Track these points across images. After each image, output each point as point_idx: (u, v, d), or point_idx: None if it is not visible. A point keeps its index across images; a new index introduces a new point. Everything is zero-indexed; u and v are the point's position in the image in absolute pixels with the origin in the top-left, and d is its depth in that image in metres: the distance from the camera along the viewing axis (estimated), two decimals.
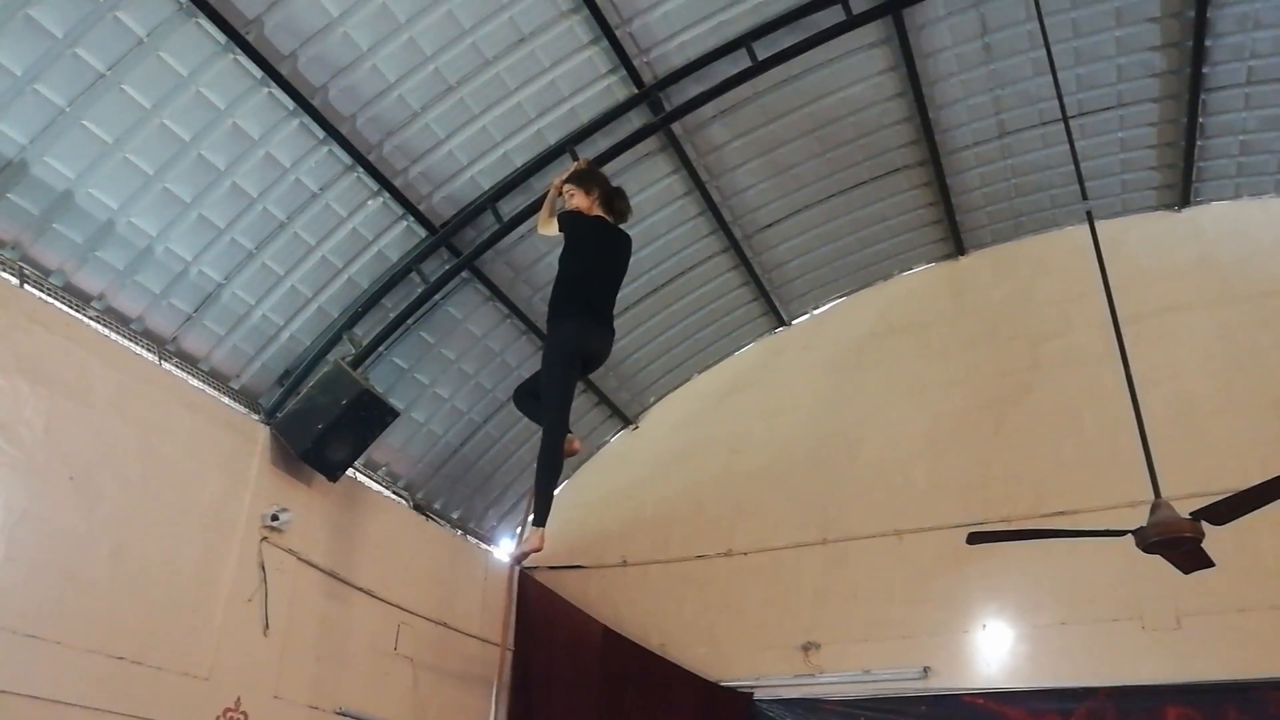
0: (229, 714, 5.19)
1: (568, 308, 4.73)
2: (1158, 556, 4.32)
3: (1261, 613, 5.80)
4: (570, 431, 4.78)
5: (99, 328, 5.09)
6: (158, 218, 5.10)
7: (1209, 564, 4.31)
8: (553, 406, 4.71)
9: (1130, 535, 4.20)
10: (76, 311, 4.99)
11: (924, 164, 7.17)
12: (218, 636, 5.22)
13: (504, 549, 8.09)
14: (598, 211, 4.88)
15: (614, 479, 8.36)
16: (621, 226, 4.88)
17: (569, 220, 4.81)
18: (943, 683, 6.51)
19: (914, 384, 7.62)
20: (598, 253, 4.84)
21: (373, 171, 5.71)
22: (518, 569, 7.85)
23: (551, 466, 4.64)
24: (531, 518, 4.64)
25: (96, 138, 4.69)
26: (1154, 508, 4.13)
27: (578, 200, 5.03)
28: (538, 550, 4.60)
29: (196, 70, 4.79)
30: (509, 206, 6.22)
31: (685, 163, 6.65)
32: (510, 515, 8.16)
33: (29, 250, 4.78)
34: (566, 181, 5.06)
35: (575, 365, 4.74)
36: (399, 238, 6.14)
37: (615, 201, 5.00)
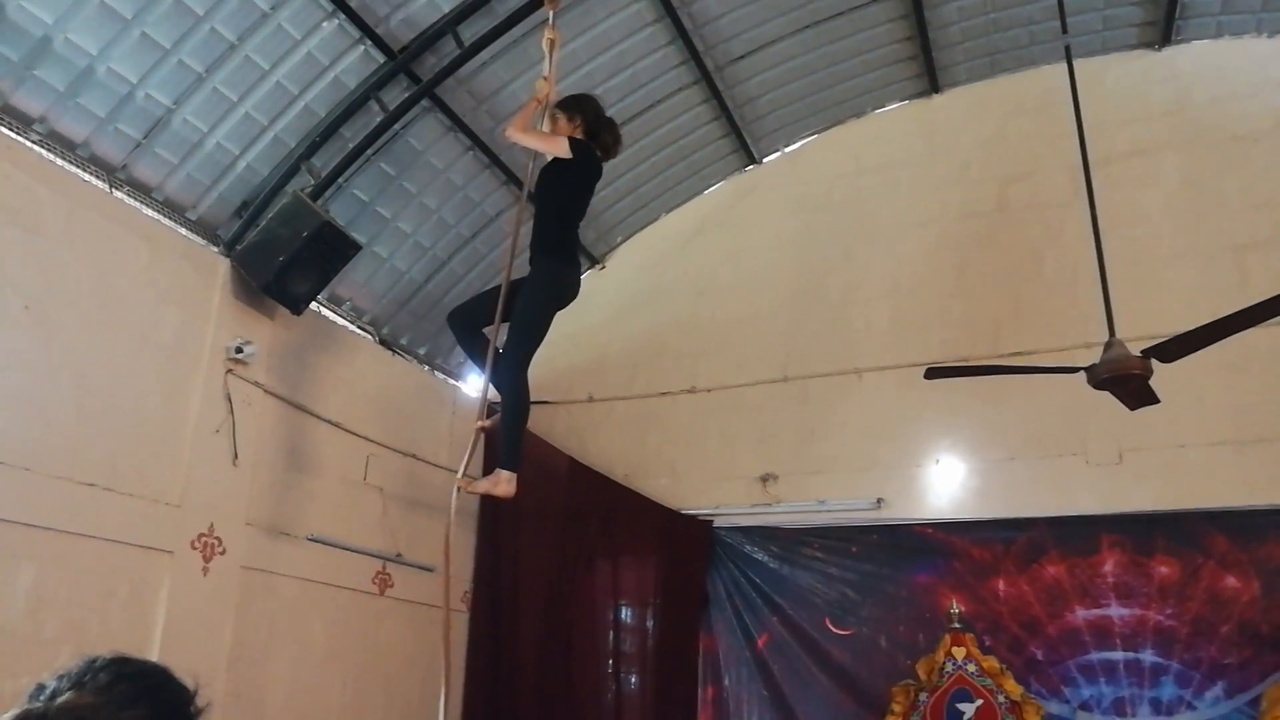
0: (203, 539, 5.32)
1: (570, 250, 4.61)
2: (1106, 396, 4.49)
3: (1199, 449, 6.07)
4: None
5: (43, 152, 4.88)
6: (96, 35, 4.79)
7: (1154, 400, 4.48)
8: (526, 358, 4.56)
9: (1082, 373, 4.34)
10: (18, 135, 4.77)
11: None
12: (187, 465, 5.29)
13: (471, 385, 8.17)
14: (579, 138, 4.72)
15: (581, 318, 8.29)
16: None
17: (582, 149, 4.60)
18: (894, 513, 6.81)
19: (881, 225, 7.61)
20: (588, 189, 4.71)
21: None
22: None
23: (525, 412, 4.55)
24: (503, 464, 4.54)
25: None
26: (1107, 346, 4.27)
27: (561, 128, 4.79)
28: (508, 496, 4.49)
29: None
30: (470, 31, 5.93)
31: None
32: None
33: None
34: (555, 108, 4.86)
35: None
36: (356, 63, 5.86)
37: (603, 134, 4.80)
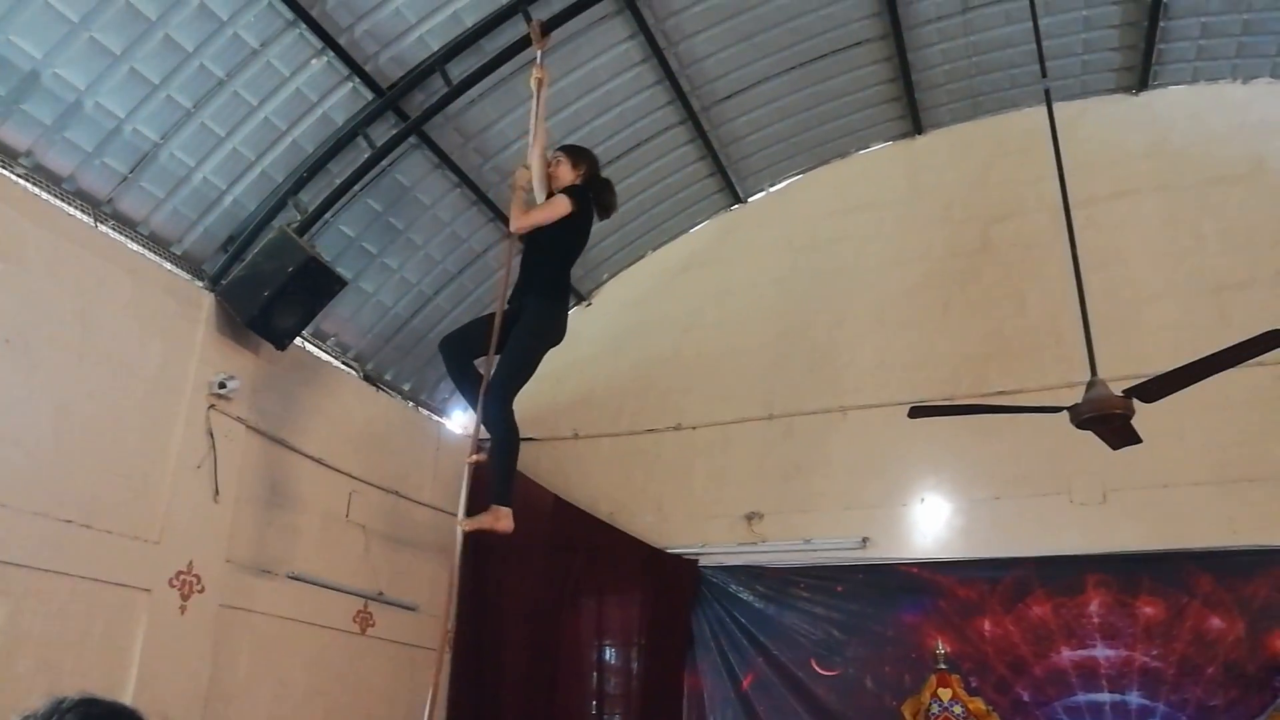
0: (181, 576, 5.24)
1: (565, 290, 4.66)
2: (1089, 434, 4.49)
3: (1182, 488, 6.09)
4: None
5: (29, 186, 4.87)
6: (85, 70, 4.81)
7: (1137, 440, 4.50)
8: (513, 394, 4.56)
9: (1065, 412, 4.36)
10: (4, 169, 4.76)
11: (885, 38, 7.00)
12: (167, 502, 5.22)
13: (456, 421, 8.14)
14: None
15: (567, 354, 8.21)
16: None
17: (581, 195, 4.64)
18: (880, 553, 6.78)
19: (866, 264, 7.66)
20: (586, 233, 4.74)
21: (316, 28, 5.41)
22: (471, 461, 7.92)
23: (515, 445, 4.57)
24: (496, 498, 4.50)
25: None
26: (1089, 385, 4.29)
27: (563, 171, 4.83)
28: (508, 531, 4.45)
29: None
30: (459, 69, 5.98)
31: (643, 27, 6.40)
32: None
33: None
34: (559, 150, 4.90)
35: None
36: (344, 100, 5.90)
37: (604, 194, 4.84)
